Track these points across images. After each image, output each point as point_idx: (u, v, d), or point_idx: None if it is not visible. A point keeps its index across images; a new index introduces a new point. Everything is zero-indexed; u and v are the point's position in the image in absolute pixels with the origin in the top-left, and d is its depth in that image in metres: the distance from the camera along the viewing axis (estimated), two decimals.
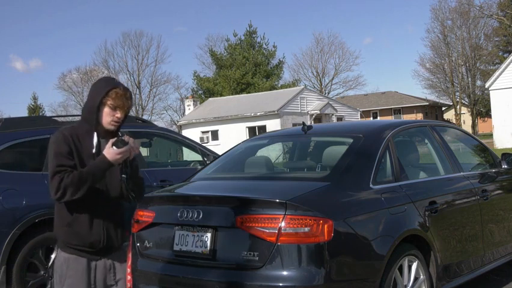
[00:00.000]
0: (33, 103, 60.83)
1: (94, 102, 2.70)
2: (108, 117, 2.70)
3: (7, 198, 4.73)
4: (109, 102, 2.68)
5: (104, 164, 2.61)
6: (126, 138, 2.65)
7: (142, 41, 62.81)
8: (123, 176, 2.70)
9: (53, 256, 4.94)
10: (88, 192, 2.61)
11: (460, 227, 4.23)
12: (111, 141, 2.63)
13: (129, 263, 2.96)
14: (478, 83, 51.24)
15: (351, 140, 4.05)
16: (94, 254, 2.74)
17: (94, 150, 2.70)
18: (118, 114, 2.71)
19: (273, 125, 31.83)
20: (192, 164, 6.71)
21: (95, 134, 2.71)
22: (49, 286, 4.90)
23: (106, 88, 2.70)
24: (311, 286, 3.04)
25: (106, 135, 2.75)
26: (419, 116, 52.93)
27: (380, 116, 55.67)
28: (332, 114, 36.16)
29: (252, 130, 33.32)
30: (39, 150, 5.25)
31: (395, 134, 4.15)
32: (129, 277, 2.93)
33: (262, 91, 44.14)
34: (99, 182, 2.67)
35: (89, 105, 2.73)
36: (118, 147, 2.60)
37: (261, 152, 4.69)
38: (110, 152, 2.60)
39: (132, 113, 56.86)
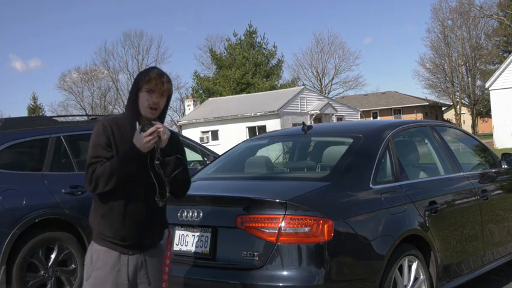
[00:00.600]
0: (33, 103, 60.84)
1: (132, 89, 2.69)
2: (145, 102, 2.65)
3: (7, 198, 4.73)
4: (144, 86, 2.65)
5: (133, 150, 2.53)
6: (155, 123, 2.57)
7: (142, 41, 62.85)
8: (156, 162, 2.62)
9: (53, 256, 4.95)
10: (122, 183, 2.56)
11: (460, 227, 4.23)
12: (139, 126, 2.58)
13: (168, 261, 2.84)
14: (478, 83, 51.25)
15: (351, 140, 4.05)
16: (126, 248, 2.66)
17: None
18: (154, 99, 2.65)
19: (273, 125, 31.82)
20: (192, 164, 6.71)
21: (137, 123, 2.65)
22: (49, 286, 4.90)
23: (143, 74, 2.69)
24: (311, 286, 3.04)
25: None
26: (419, 116, 52.91)
27: (380, 116, 55.66)
28: (332, 114, 36.16)
29: (252, 130, 33.31)
30: (39, 150, 5.25)
31: (395, 134, 4.15)
32: (166, 276, 2.83)
33: (262, 91, 44.14)
34: (131, 171, 2.58)
35: (129, 95, 2.73)
36: (144, 131, 2.53)
37: (261, 152, 4.69)
38: (137, 137, 2.54)
39: None
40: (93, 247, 2.72)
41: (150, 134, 2.53)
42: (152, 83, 2.64)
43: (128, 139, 2.60)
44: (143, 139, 2.52)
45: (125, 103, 2.79)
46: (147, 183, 2.68)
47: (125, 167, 2.55)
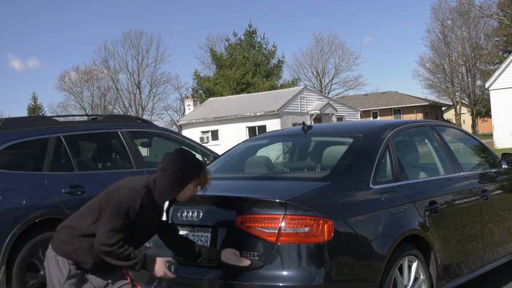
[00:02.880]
0: (33, 103, 60.84)
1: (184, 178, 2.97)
2: (188, 192, 2.99)
3: (7, 198, 4.73)
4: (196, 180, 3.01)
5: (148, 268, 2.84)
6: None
7: (142, 41, 62.86)
8: None
9: None
10: None
11: (460, 227, 4.23)
12: (169, 260, 2.89)
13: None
14: (478, 83, 51.25)
15: (351, 140, 4.05)
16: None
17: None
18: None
19: (273, 125, 31.82)
20: None
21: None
22: None
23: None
24: (311, 286, 3.04)
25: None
26: (419, 116, 52.92)
27: (380, 116, 55.65)
28: (332, 114, 36.16)
29: (252, 130, 33.31)
30: (39, 150, 5.25)
31: (395, 134, 4.15)
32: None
33: (262, 91, 44.14)
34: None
35: (178, 180, 2.95)
36: (171, 271, 2.87)
37: (261, 152, 4.69)
38: (162, 267, 2.85)
39: (132, 113, 57.02)
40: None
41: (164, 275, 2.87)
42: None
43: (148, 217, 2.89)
44: (163, 272, 2.86)
45: (166, 183, 2.90)
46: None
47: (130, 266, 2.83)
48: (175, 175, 2.86)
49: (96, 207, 2.85)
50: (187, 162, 2.91)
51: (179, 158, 2.93)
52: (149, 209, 2.84)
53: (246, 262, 3.08)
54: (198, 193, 3.07)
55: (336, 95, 58.96)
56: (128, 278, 2.98)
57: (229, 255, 3.11)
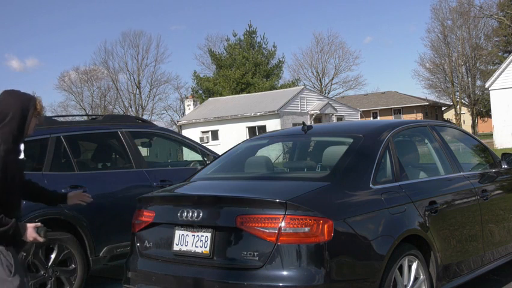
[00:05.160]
0: None
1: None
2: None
3: None
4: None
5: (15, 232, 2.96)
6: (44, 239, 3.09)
7: (142, 41, 63.06)
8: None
9: (53, 256, 4.95)
10: None
11: (459, 227, 4.23)
12: (38, 226, 3.07)
13: None
14: (478, 83, 51.23)
15: (351, 140, 4.05)
16: None
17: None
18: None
19: (273, 125, 31.83)
20: (192, 164, 6.71)
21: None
22: (49, 286, 4.90)
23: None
24: (311, 286, 3.04)
25: None
26: (419, 116, 52.95)
27: (380, 116, 55.67)
28: (332, 114, 36.17)
29: (252, 130, 33.32)
30: (39, 150, 5.25)
31: (395, 134, 4.15)
32: None
33: (262, 91, 44.15)
34: None
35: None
36: (40, 235, 3.06)
37: (261, 152, 4.68)
38: (29, 230, 3.02)
39: (132, 113, 57.02)
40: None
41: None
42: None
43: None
44: (33, 237, 3.02)
45: (12, 128, 3.02)
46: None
47: None
48: (15, 118, 2.99)
49: None
50: (19, 100, 3.04)
51: (11, 100, 3.03)
52: (10, 162, 2.96)
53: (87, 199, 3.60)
54: (198, 193, 3.07)
55: (336, 95, 59.01)
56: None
57: (73, 195, 3.57)
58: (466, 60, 51.04)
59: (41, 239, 3.07)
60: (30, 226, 3.04)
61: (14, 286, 2.95)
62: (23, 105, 3.02)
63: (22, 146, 3.13)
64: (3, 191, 2.94)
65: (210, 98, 42.81)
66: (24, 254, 3.78)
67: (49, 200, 3.58)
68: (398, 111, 55.85)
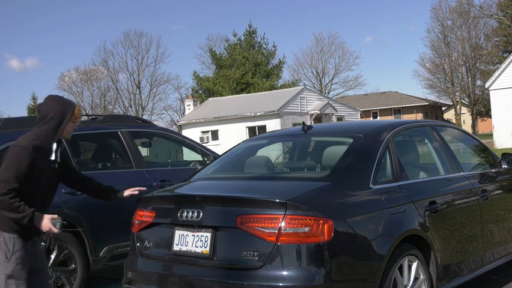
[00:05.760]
0: (32, 103, 60.76)
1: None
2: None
3: None
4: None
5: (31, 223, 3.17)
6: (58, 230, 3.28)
7: (142, 41, 62.91)
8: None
9: (53, 256, 4.95)
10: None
11: (459, 227, 4.22)
12: (54, 217, 3.25)
13: None
14: (478, 83, 51.23)
15: (351, 140, 4.05)
16: None
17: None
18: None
19: (273, 125, 31.83)
20: (192, 164, 6.70)
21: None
22: None
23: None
24: (311, 286, 3.04)
25: None
26: (419, 116, 52.94)
27: (380, 116, 55.66)
28: (332, 114, 36.17)
29: (252, 130, 33.32)
30: None
31: (395, 134, 4.15)
32: None
33: (262, 91, 44.15)
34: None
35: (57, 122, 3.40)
36: (55, 227, 3.23)
37: (261, 152, 4.68)
38: (45, 221, 3.21)
39: (132, 113, 57.01)
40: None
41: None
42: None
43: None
44: (48, 227, 3.21)
45: (49, 128, 3.34)
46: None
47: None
48: (54, 118, 3.28)
49: None
50: (60, 104, 3.34)
51: (54, 103, 3.34)
52: (39, 157, 3.22)
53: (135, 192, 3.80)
54: (198, 193, 3.07)
55: (336, 95, 59.01)
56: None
57: (127, 191, 3.79)
58: (466, 60, 51.04)
59: (56, 230, 3.23)
60: (46, 217, 3.22)
61: (7, 271, 3.13)
62: (63, 109, 3.31)
63: (55, 146, 3.34)
64: (28, 182, 3.15)
65: (210, 98, 42.80)
66: (44, 244, 4.02)
67: (107, 195, 3.80)
68: (398, 111, 55.84)
